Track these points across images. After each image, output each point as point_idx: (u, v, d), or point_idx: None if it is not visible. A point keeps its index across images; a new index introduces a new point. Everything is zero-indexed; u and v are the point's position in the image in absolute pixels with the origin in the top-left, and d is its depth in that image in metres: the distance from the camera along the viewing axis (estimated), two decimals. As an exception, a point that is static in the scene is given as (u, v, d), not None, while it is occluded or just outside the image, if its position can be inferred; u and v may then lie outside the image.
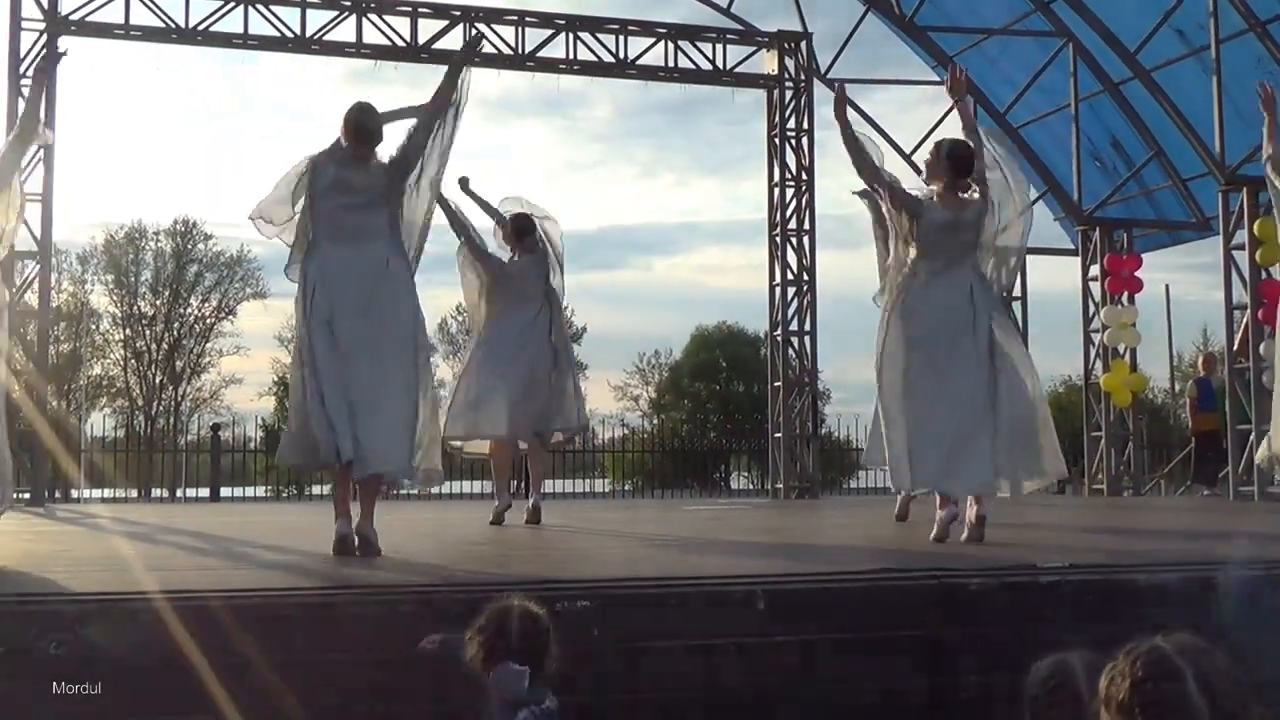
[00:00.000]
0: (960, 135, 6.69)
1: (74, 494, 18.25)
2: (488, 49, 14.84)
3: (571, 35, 15.01)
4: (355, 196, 5.74)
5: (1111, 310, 15.52)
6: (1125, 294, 15.68)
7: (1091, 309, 16.01)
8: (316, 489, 25.84)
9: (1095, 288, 15.90)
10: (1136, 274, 15.69)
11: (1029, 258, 16.79)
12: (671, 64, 15.45)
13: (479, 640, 2.97)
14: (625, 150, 69.24)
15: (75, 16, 13.59)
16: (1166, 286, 19.53)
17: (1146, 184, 16.29)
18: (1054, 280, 48.12)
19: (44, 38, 13.31)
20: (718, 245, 69.65)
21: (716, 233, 69.21)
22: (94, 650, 3.56)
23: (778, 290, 15.71)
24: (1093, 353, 16.07)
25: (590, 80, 16.02)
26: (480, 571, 5.11)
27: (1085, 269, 16.02)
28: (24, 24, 13.25)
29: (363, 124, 5.83)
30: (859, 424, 23.04)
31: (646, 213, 70.07)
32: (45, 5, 13.37)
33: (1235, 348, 13.46)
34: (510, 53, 14.89)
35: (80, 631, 3.59)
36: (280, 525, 8.89)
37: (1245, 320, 13.28)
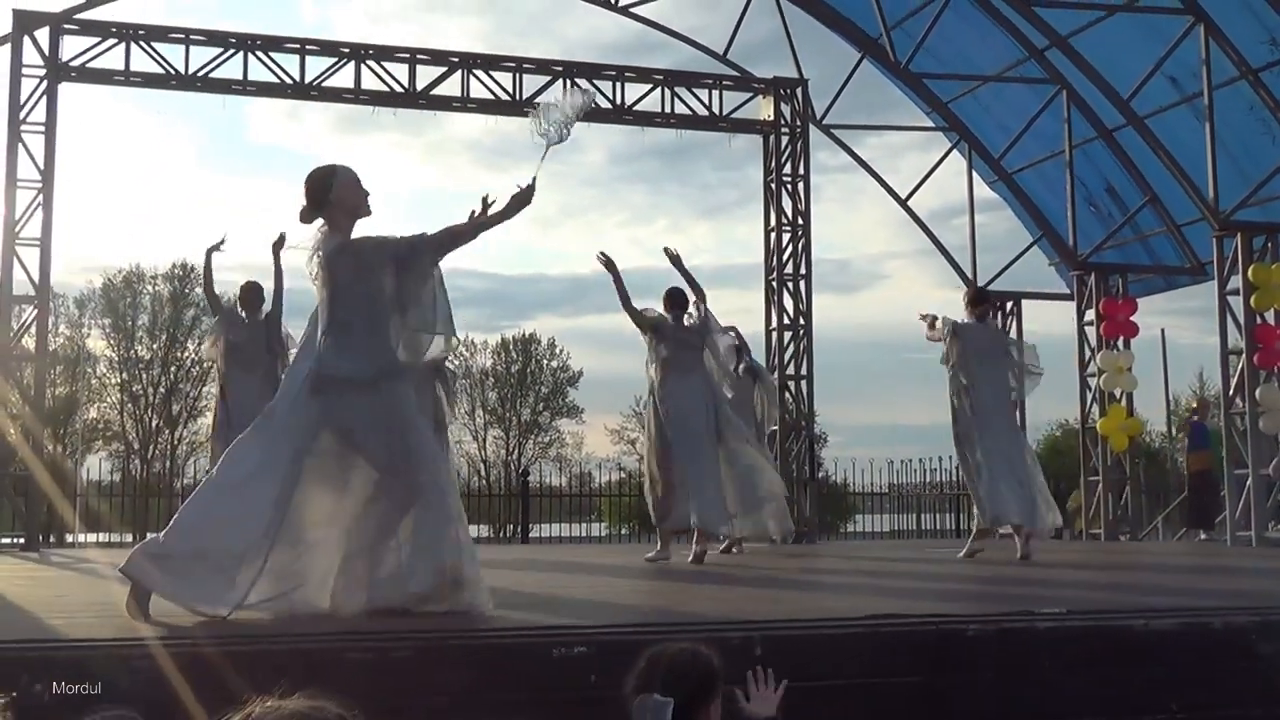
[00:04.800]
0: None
1: (69, 538, 18.18)
2: (484, 95, 14.97)
3: (569, 81, 15.11)
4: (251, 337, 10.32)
5: (1107, 355, 15.55)
6: (1121, 338, 15.71)
7: (1087, 353, 16.04)
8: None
9: (1091, 332, 15.94)
10: (1132, 319, 15.74)
11: (1024, 302, 16.94)
12: (668, 109, 15.56)
13: (635, 672, 2.91)
14: (619, 195, 69.52)
15: (76, 63, 13.70)
16: (1162, 331, 19.53)
17: (1141, 229, 16.36)
18: (1050, 325, 48.36)
19: (44, 84, 13.41)
20: (713, 289, 68.95)
21: (712, 277, 69.02)
22: (86, 697, 3.54)
23: (774, 334, 15.75)
24: (1089, 397, 16.09)
25: (585, 125, 16.10)
26: (479, 618, 5.08)
27: (1081, 314, 16.06)
28: (25, 71, 13.35)
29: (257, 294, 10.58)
30: (856, 468, 23.04)
31: (641, 257, 70.33)
32: (46, 52, 13.48)
33: (1231, 392, 13.48)
34: (507, 99, 14.99)
35: (73, 678, 3.57)
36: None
37: (1241, 365, 13.31)
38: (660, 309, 9.63)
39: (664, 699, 2.75)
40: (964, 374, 9.94)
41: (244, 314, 10.72)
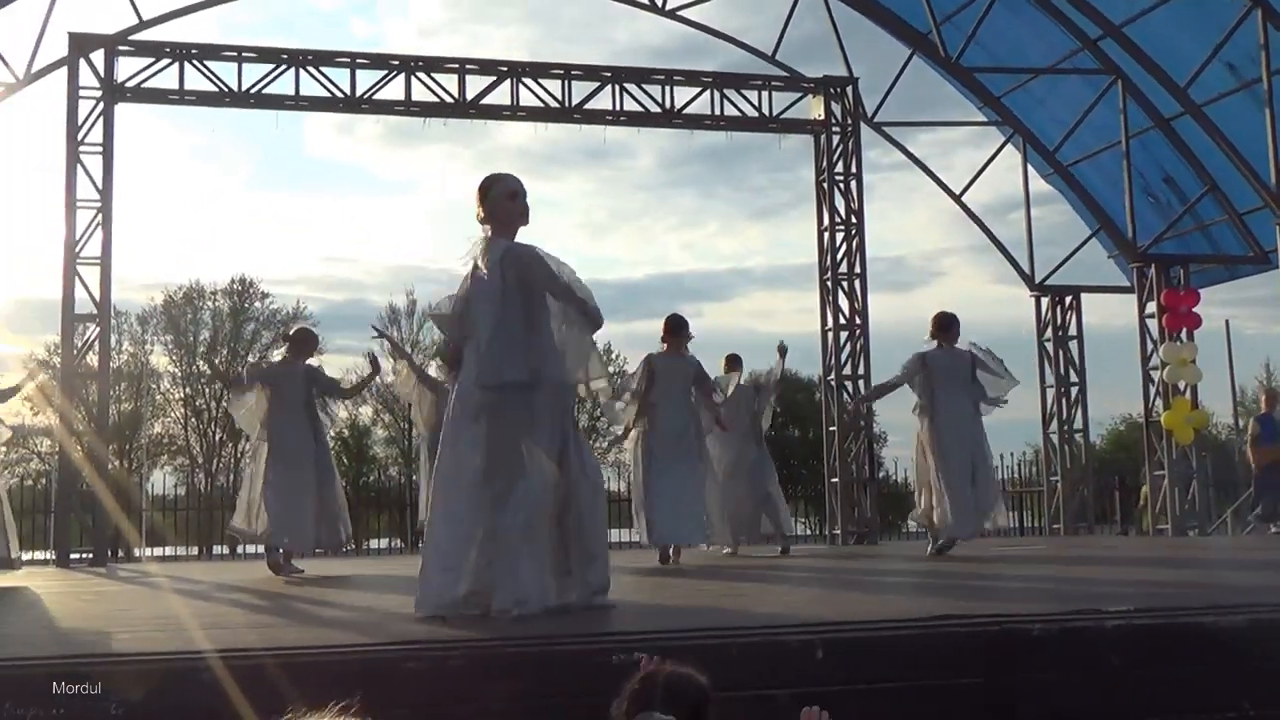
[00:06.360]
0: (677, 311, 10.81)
1: (136, 553, 18.43)
2: (534, 103, 15.01)
3: (617, 87, 15.13)
4: (292, 385, 9.79)
5: (1170, 347, 15.32)
6: (1184, 330, 15.49)
7: (1150, 346, 15.82)
8: (373, 543, 25.93)
9: (1153, 325, 15.72)
10: (1194, 310, 15.50)
11: (1084, 296, 16.73)
12: (717, 112, 15.52)
13: (626, 694, 2.89)
14: (669, 200, 69.38)
15: (131, 84, 13.90)
16: (1226, 322, 19.21)
17: (1201, 219, 16.11)
18: (1110, 318, 47.52)
19: (101, 105, 13.61)
20: (767, 290, 69.39)
21: (765, 278, 69.02)
22: (152, 711, 3.57)
23: (830, 335, 15.65)
24: (1153, 390, 15.86)
25: (634, 130, 16.09)
26: (533, 626, 5.08)
27: (1142, 306, 15.85)
28: (81, 92, 13.57)
29: (308, 341, 10.26)
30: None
31: (694, 260, 70.01)
32: (102, 73, 13.69)
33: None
34: (557, 106, 15.02)
35: (138, 692, 3.59)
36: (338, 580, 8.90)
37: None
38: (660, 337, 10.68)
39: (665, 717, 2.73)
40: (925, 396, 10.49)
41: (288, 355, 10.17)
